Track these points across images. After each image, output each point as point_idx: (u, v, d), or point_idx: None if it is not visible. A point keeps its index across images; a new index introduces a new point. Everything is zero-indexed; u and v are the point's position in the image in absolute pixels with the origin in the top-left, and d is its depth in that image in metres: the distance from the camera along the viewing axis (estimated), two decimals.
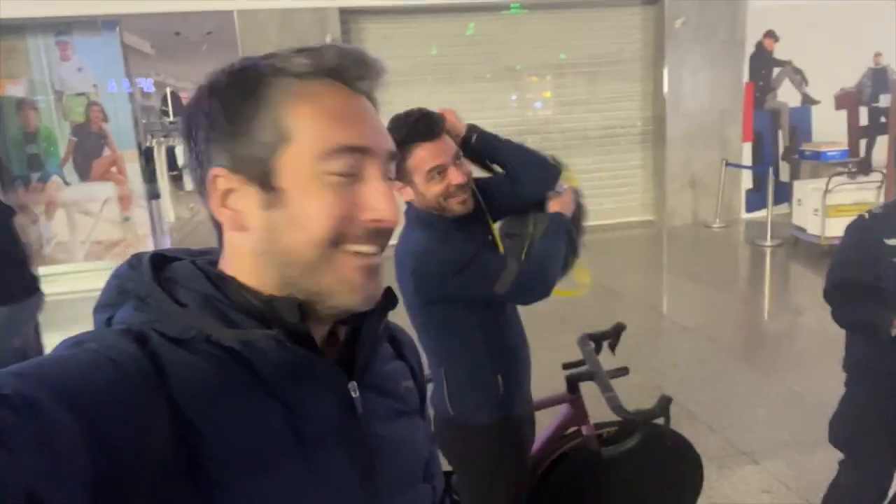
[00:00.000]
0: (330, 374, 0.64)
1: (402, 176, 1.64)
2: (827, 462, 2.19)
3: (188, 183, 11.54)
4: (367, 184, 0.62)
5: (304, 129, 0.60)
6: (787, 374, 3.89)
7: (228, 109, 0.60)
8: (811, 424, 3.10)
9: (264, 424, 0.58)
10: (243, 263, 0.62)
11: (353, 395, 0.65)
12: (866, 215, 1.92)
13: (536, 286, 1.69)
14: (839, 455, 2.12)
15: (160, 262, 0.64)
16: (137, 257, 0.64)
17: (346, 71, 0.62)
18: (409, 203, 1.70)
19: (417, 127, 1.59)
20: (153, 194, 7.26)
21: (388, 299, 0.70)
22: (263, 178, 0.60)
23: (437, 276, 1.63)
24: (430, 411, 1.33)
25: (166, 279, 0.61)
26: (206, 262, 0.65)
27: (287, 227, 0.60)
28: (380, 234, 0.63)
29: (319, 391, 0.63)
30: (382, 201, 0.62)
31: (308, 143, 0.60)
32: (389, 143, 0.65)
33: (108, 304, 0.63)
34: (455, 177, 1.62)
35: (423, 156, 1.60)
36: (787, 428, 3.25)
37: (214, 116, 0.61)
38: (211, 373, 0.57)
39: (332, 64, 0.62)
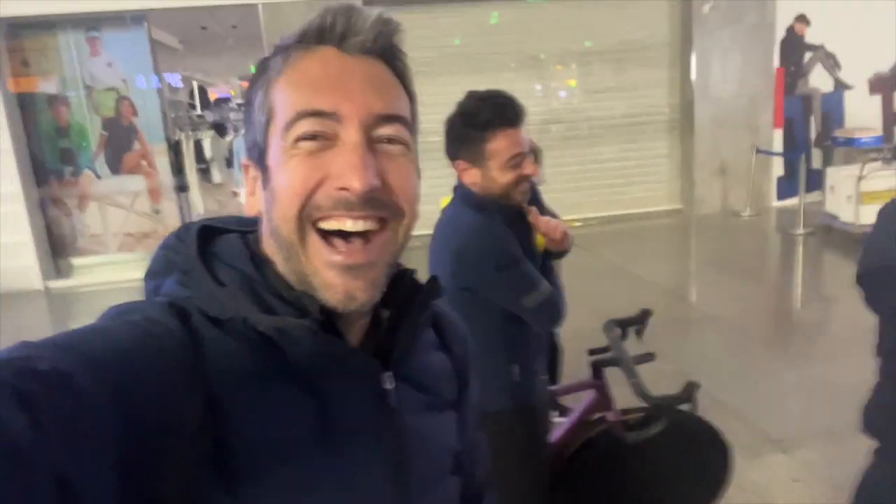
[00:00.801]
0: (363, 365, 0.62)
1: (475, 158, 1.62)
2: (858, 451, 2.14)
3: (216, 175, 11.71)
4: (337, 150, 0.57)
5: (280, 102, 0.58)
6: (818, 363, 3.82)
7: (246, 101, 0.62)
8: (842, 413, 3.03)
9: (294, 414, 0.57)
10: (269, 246, 0.61)
11: (387, 387, 0.63)
12: None
13: (558, 314, 1.70)
14: (871, 444, 2.08)
15: (209, 233, 0.62)
16: (186, 228, 0.63)
17: (332, 32, 0.59)
18: (460, 183, 1.68)
19: (505, 112, 1.58)
20: (182, 187, 7.37)
21: (433, 289, 0.68)
22: (260, 159, 0.61)
23: (478, 263, 1.61)
24: None
25: (211, 254, 0.60)
26: (255, 239, 0.63)
27: (272, 205, 0.59)
28: (352, 205, 0.56)
29: (352, 382, 0.61)
30: (348, 167, 0.56)
31: (280, 115, 0.58)
32: (372, 107, 0.58)
33: (156, 272, 0.63)
34: (529, 167, 1.61)
35: (506, 143, 1.58)
36: (818, 417, 3.19)
37: (247, 110, 0.63)
38: (245, 357, 0.56)
39: (318, 28, 0.59)
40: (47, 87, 6.72)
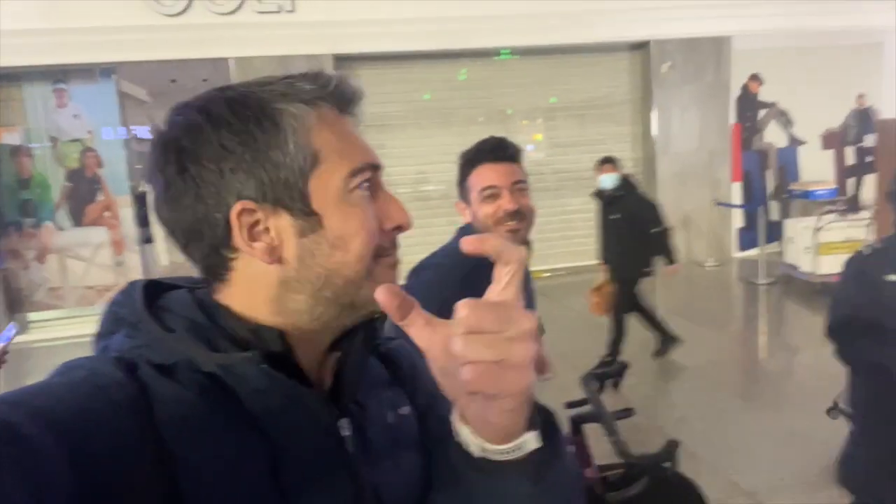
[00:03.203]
0: (317, 405, 0.60)
1: (464, 195, 1.63)
2: (830, 502, 2.16)
3: None
4: (381, 196, 0.64)
5: (330, 152, 0.61)
6: (786, 412, 3.87)
7: (243, 138, 0.58)
8: (813, 464, 3.07)
9: (244, 460, 0.56)
10: (259, 293, 0.60)
11: (344, 433, 0.62)
12: (865, 250, 1.90)
13: None
14: (842, 495, 2.08)
15: (156, 290, 0.63)
16: (132, 284, 0.64)
17: (340, 96, 0.64)
18: (468, 225, 1.66)
19: (485, 147, 1.61)
20: (146, 239, 7.24)
21: (372, 323, 0.66)
22: (297, 204, 0.59)
23: (420, 293, 1.55)
24: None
25: (159, 307, 0.61)
26: (205, 293, 0.63)
27: (329, 250, 0.60)
28: (395, 242, 0.66)
29: (306, 425, 0.60)
30: (400, 209, 0.65)
31: (336, 165, 0.61)
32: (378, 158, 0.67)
33: (105, 333, 0.62)
34: (508, 202, 1.56)
35: (481, 175, 1.60)
36: (789, 468, 3.21)
37: (228, 147, 0.58)
38: (194, 403, 0.55)
39: (331, 90, 0.64)
40: (11, 138, 6.62)
